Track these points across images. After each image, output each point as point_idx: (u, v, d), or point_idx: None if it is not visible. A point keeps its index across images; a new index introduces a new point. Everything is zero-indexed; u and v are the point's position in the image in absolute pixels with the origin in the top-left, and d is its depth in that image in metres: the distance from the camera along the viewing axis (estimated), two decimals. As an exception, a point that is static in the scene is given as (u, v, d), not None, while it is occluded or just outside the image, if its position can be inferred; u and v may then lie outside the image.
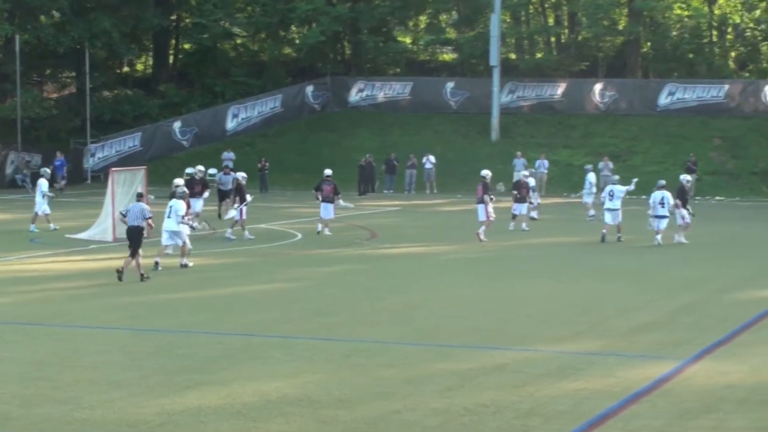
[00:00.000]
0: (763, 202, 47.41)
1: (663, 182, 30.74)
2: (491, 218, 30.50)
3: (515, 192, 34.02)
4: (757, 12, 60.93)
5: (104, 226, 30.19)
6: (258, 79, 61.38)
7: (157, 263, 24.11)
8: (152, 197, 25.97)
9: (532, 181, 36.56)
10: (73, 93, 60.09)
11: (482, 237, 30.25)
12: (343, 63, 64.74)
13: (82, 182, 53.28)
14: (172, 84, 61.77)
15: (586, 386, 13.48)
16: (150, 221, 23.20)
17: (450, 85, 59.43)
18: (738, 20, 60.63)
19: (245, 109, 58.88)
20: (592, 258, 27.46)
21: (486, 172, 31.16)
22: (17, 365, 14.60)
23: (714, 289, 22.18)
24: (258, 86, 60.81)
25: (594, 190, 38.23)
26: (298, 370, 14.33)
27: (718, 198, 47.61)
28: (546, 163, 49.06)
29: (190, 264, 24.58)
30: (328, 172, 33.01)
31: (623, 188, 31.20)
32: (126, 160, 52.25)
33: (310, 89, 60.73)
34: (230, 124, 58.44)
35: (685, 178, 31.54)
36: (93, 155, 54.85)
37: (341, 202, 33.03)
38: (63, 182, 49.35)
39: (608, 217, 30.66)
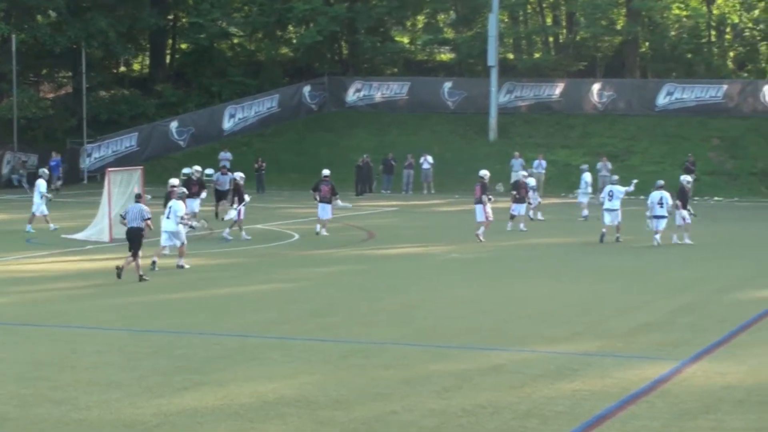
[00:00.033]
0: (762, 202, 47.43)
1: (661, 182, 30.71)
2: (490, 218, 30.46)
3: (514, 192, 33.99)
4: (756, 12, 60.94)
5: (101, 226, 30.14)
6: (255, 79, 61.36)
7: (154, 262, 24.05)
8: (149, 197, 25.88)
9: (532, 181, 36.60)
10: (69, 93, 60.05)
11: (481, 238, 30.22)
12: (341, 63, 64.73)
13: (78, 182, 53.23)
14: (168, 84, 61.74)
15: (584, 387, 13.45)
16: (149, 222, 23.16)
17: (448, 85, 59.42)
18: (736, 20, 60.64)
19: (242, 109, 58.84)
20: (590, 258, 27.44)
21: (484, 173, 31.09)
22: (15, 366, 14.56)
23: (713, 290, 22.17)
24: (255, 86, 60.79)
25: (589, 190, 38.23)
26: (295, 371, 14.30)
27: (716, 198, 47.58)
28: (544, 163, 49.03)
29: (187, 266, 24.53)
30: (326, 172, 32.96)
31: (623, 189, 31.17)
32: (123, 160, 52.21)
33: (307, 89, 60.71)
34: (227, 124, 58.42)
35: (686, 178, 31.47)
36: (89, 155, 54.81)
37: (339, 202, 32.99)
38: (59, 182, 49.30)
39: (607, 218, 30.62)
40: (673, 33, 61.43)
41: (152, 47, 64.86)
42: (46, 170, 36.44)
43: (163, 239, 24.64)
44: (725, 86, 55.91)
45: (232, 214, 30.36)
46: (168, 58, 65.50)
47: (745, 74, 60.21)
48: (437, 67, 65.38)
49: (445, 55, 66.96)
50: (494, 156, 51.81)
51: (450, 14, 67.34)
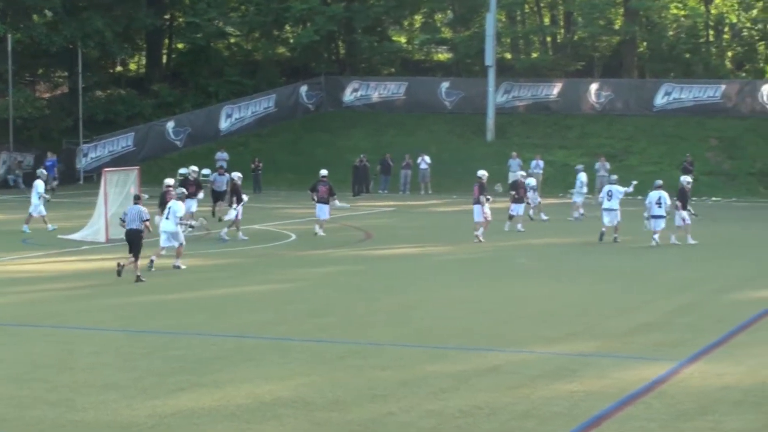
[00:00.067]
0: (760, 202, 47.41)
1: (660, 182, 30.67)
2: (489, 219, 30.41)
3: (513, 192, 33.94)
4: (754, 12, 60.93)
5: (97, 226, 30.08)
6: (252, 79, 61.29)
7: (152, 261, 23.99)
8: (146, 196, 25.83)
9: (533, 181, 36.62)
10: (65, 93, 59.93)
11: (481, 238, 30.18)
12: (338, 63, 64.67)
13: (74, 183, 53.11)
14: (165, 84, 61.66)
15: (582, 388, 13.42)
16: (147, 224, 23.12)
17: (445, 85, 59.37)
18: (735, 20, 60.63)
19: (239, 109, 58.77)
20: (588, 258, 27.41)
21: (482, 173, 31.00)
22: (11, 366, 14.52)
23: (711, 290, 22.15)
24: (252, 86, 60.71)
25: (585, 190, 38.21)
26: (292, 372, 14.26)
27: (714, 198, 47.52)
28: (541, 163, 48.96)
29: (183, 266, 24.48)
30: (323, 172, 32.91)
31: (622, 189, 31.13)
32: (119, 161, 52.12)
33: (304, 89, 60.65)
34: (224, 124, 58.35)
35: (686, 179, 31.34)
36: (86, 155, 54.70)
37: (337, 202, 32.95)
38: (55, 183, 49.21)
39: (606, 218, 30.58)
40: (671, 33, 61.39)
41: (149, 47, 64.76)
42: (44, 171, 36.34)
43: (163, 240, 24.59)
44: (723, 86, 55.88)
45: (232, 214, 30.31)
46: (164, 58, 65.43)
47: (744, 74, 60.19)
48: (434, 67, 65.34)
49: (443, 55, 66.93)
50: (492, 156, 51.73)
51: (447, 14, 67.30)
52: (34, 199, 32.51)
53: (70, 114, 56.33)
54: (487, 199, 30.28)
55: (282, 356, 15.24)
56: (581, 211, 37.60)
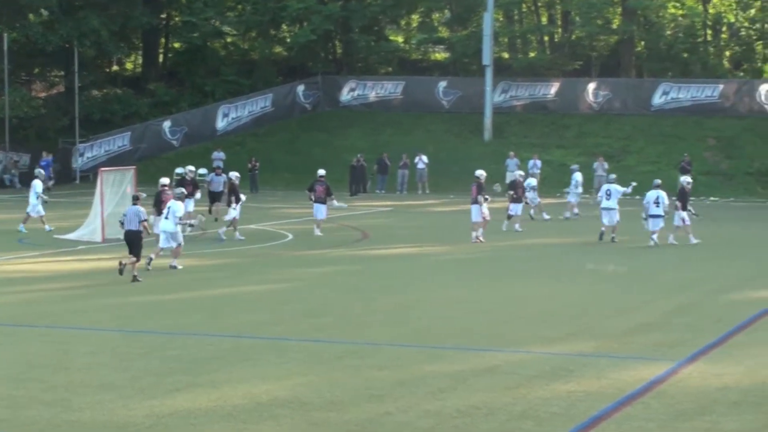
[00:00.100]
0: (758, 202, 47.41)
1: (658, 182, 30.63)
2: (487, 218, 30.36)
3: (511, 192, 33.90)
4: (752, 11, 60.97)
5: (93, 226, 30.01)
6: (248, 78, 61.25)
7: (150, 260, 23.92)
8: (143, 195, 25.76)
9: (533, 181, 36.57)
10: (61, 92, 59.87)
11: (482, 238, 30.14)
12: (335, 62, 64.63)
13: (70, 182, 53.08)
14: (161, 83, 61.61)
15: (580, 388, 13.38)
16: (145, 224, 23.05)
17: (442, 84, 59.35)
18: (732, 19, 60.66)
19: (235, 108, 58.73)
20: (586, 259, 27.32)
21: (480, 172, 30.88)
22: (6, 367, 14.47)
23: (709, 290, 22.11)
24: (248, 85, 60.69)
25: (580, 190, 38.18)
26: (289, 372, 14.21)
27: (712, 198, 47.48)
28: (539, 163, 48.97)
29: (180, 266, 24.42)
30: (321, 172, 32.85)
31: (621, 189, 31.08)
32: (115, 160, 52.08)
33: (301, 88, 60.61)
34: (220, 124, 58.30)
35: (686, 179, 31.25)
36: (82, 155, 54.65)
37: (335, 202, 32.91)
38: (50, 182, 49.14)
39: (605, 218, 30.52)
40: (668, 32, 61.38)
41: (145, 46, 64.72)
42: (42, 170, 36.27)
43: (162, 240, 24.53)
44: (721, 86, 55.88)
45: (233, 213, 30.25)
46: (161, 57, 65.39)
47: (741, 74, 60.21)
48: (432, 67, 65.31)
49: (440, 55, 66.91)
50: (489, 156, 51.71)
51: (445, 13, 67.30)
52: (32, 199, 32.40)
53: (66, 113, 56.28)
54: (486, 199, 30.21)
55: (279, 356, 15.18)
56: (575, 210, 37.59)
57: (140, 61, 65.86)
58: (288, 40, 63.70)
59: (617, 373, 14.14)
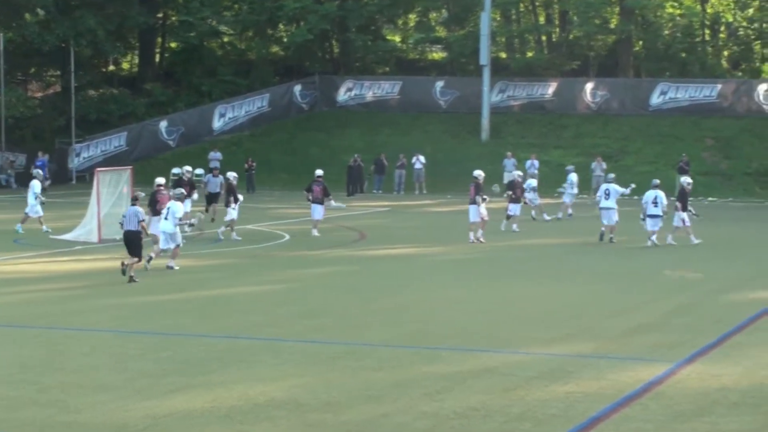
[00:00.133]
0: (757, 202, 47.38)
1: (657, 182, 30.59)
2: (485, 219, 30.29)
3: (510, 192, 33.85)
4: (750, 11, 60.98)
5: (89, 227, 29.93)
6: (245, 78, 61.21)
7: (150, 258, 23.86)
8: (142, 194, 25.68)
9: (534, 182, 36.50)
10: (58, 92, 59.82)
11: (482, 239, 30.07)
12: (332, 62, 64.60)
13: (67, 182, 53.00)
14: (158, 83, 61.55)
15: (578, 389, 13.33)
16: (143, 224, 22.99)
17: (440, 84, 59.31)
18: (731, 19, 60.65)
19: (232, 108, 58.67)
20: (585, 259, 27.33)
21: (478, 173, 30.77)
22: (1, 368, 14.40)
23: (708, 291, 22.07)
24: (245, 85, 60.64)
25: (575, 191, 38.14)
26: (285, 373, 14.16)
27: (710, 199, 47.44)
28: (536, 163, 48.91)
29: (176, 267, 24.35)
30: (319, 172, 32.78)
31: (620, 189, 31.02)
32: (112, 160, 52.02)
33: (298, 88, 60.57)
34: (217, 124, 58.25)
35: (686, 180, 31.15)
36: (78, 155, 54.59)
37: (333, 202, 32.86)
38: (47, 182, 49.05)
39: (605, 218, 30.45)
40: (666, 32, 61.38)
41: (141, 46, 64.65)
42: (40, 171, 36.18)
43: (161, 240, 24.45)
44: (719, 86, 55.86)
45: (233, 214, 30.19)
46: (157, 57, 65.32)
47: (740, 74, 60.19)
48: (429, 66, 65.27)
49: (437, 54, 66.88)
50: (486, 156, 51.68)
51: (442, 13, 67.23)
52: (31, 199, 32.28)
53: (62, 113, 56.22)
54: (484, 200, 30.13)
55: (275, 357, 15.13)
56: (570, 211, 37.57)
57: (137, 61, 65.81)
58: (285, 39, 63.66)
59: (616, 374, 14.09)
